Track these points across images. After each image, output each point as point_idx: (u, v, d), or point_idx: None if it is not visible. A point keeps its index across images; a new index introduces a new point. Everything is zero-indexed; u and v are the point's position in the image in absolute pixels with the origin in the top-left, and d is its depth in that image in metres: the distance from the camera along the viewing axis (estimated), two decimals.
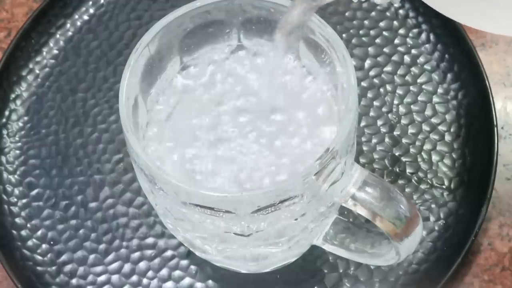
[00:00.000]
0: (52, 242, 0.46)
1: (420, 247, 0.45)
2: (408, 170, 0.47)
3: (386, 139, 0.48)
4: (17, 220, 0.47)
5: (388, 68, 0.49)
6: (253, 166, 0.38)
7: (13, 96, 0.49)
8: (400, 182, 0.47)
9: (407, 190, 0.46)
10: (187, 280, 0.45)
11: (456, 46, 0.49)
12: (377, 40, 0.50)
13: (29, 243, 0.46)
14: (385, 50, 0.50)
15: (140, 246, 0.46)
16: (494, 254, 0.46)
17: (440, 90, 0.49)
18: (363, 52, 0.50)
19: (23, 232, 0.46)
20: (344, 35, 0.50)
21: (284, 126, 0.39)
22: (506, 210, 0.47)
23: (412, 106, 0.48)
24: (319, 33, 0.38)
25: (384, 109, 0.48)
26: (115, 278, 0.45)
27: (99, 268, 0.46)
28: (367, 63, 0.49)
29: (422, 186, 0.46)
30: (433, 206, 0.46)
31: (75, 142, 0.48)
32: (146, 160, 0.35)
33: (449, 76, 0.49)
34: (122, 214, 0.47)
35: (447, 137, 0.48)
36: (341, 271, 0.45)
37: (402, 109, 0.48)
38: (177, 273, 0.45)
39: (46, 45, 0.50)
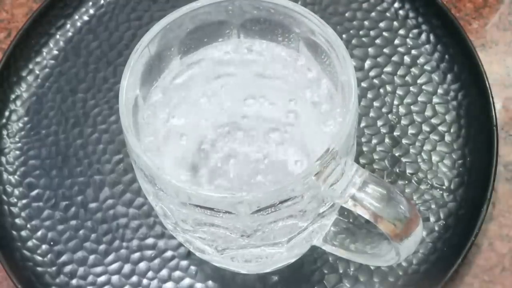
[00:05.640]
0: (52, 243, 0.46)
1: (420, 247, 0.45)
2: (408, 171, 0.47)
3: (386, 140, 0.48)
4: (17, 220, 0.47)
5: (388, 69, 0.49)
6: (254, 166, 0.38)
7: (13, 96, 0.49)
8: (400, 182, 0.47)
9: (407, 190, 0.46)
10: (187, 281, 0.45)
11: (456, 47, 0.49)
12: (377, 41, 0.50)
13: (29, 243, 0.46)
14: (385, 50, 0.50)
15: (140, 246, 0.46)
16: (494, 254, 0.46)
17: (440, 91, 0.49)
18: (363, 53, 0.50)
19: (23, 233, 0.46)
20: (344, 36, 0.50)
21: (285, 126, 0.39)
22: (506, 210, 0.47)
23: (412, 107, 0.48)
24: (319, 33, 0.38)
25: (384, 110, 0.48)
26: (115, 278, 0.45)
27: (99, 269, 0.46)
28: (367, 63, 0.49)
29: (422, 187, 0.46)
30: (433, 206, 0.46)
31: (75, 143, 0.48)
32: (146, 160, 0.35)
33: (449, 76, 0.49)
34: (122, 214, 0.47)
35: (447, 138, 0.48)
36: (341, 271, 0.45)
37: (402, 110, 0.48)
38: (177, 273, 0.45)
39: (46, 46, 0.50)
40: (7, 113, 0.49)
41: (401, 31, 0.50)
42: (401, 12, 0.51)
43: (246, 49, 0.40)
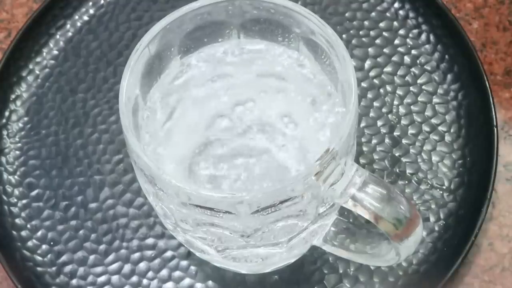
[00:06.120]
0: (52, 243, 0.46)
1: (420, 247, 0.45)
2: (408, 171, 0.47)
3: (386, 140, 0.48)
4: (17, 220, 0.47)
5: (388, 69, 0.49)
6: (253, 167, 0.38)
7: (13, 96, 0.49)
8: (400, 182, 0.47)
9: (407, 190, 0.46)
10: (187, 281, 0.45)
11: (456, 47, 0.49)
12: (377, 41, 0.50)
13: (29, 243, 0.46)
14: (385, 50, 0.50)
15: (140, 246, 0.46)
16: (494, 254, 0.46)
17: (440, 91, 0.49)
18: (363, 53, 0.50)
19: (23, 233, 0.46)
20: (344, 36, 0.50)
21: (285, 126, 0.39)
22: (506, 210, 0.47)
23: (412, 107, 0.48)
24: (319, 33, 0.38)
25: (384, 110, 0.48)
26: (115, 278, 0.45)
27: (99, 269, 0.46)
28: (367, 63, 0.49)
29: (422, 187, 0.46)
30: (433, 206, 0.46)
31: (75, 143, 0.48)
32: (146, 160, 0.35)
33: (449, 76, 0.49)
34: (122, 214, 0.47)
35: (447, 138, 0.48)
36: (341, 271, 0.45)
37: (402, 110, 0.48)
38: (177, 273, 0.45)
39: (46, 46, 0.50)
40: (7, 113, 0.49)
41: (401, 31, 0.50)
42: (401, 12, 0.51)
43: (246, 49, 0.40)
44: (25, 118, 0.49)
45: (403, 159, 0.47)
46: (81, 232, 0.46)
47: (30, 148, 0.48)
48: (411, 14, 0.50)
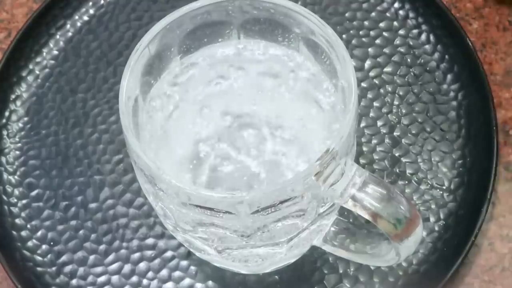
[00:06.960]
0: (52, 243, 0.46)
1: (420, 247, 0.45)
2: (408, 171, 0.47)
3: (386, 140, 0.48)
4: (17, 220, 0.47)
5: (388, 69, 0.49)
6: (253, 167, 0.38)
7: (13, 97, 0.49)
8: (400, 182, 0.47)
9: (407, 190, 0.46)
10: (187, 281, 0.45)
11: (456, 47, 0.49)
12: (377, 41, 0.50)
13: (29, 243, 0.46)
14: (385, 50, 0.50)
15: (140, 246, 0.46)
16: (494, 254, 0.46)
17: (440, 91, 0.49)
18: (363, 53, 0.50)
19: (23, 233, 0.46)
20: (344, 36, 0.50)
21: (285, 126, 0.39)
22: (506, 211, 0.47)
23: (412, 107, 0.48)
24: (319, 33, 0.38)
25: (384, 110, 0.48)
26: (115, 278, 0.45)
27: (99, 269, 0.46)
28: (367, 63, 0.49)
29: (422, 187, 0.46)
30: (433, 206, 0.46)
31: (75, 143, 0.48)
32: (146, 160, 0.35)
33: (449, 76, 0.49)
34: (122, 214, 0.47)
35: (447, 138, 0.48)
36: (341, 271, 0.45)
37: (402, 110, 0.48)
38: (177, 273, 0.45)
39: (46, 46, 0.50)
40: (7, 113, 0.49)
41: (401, 31, 0.50)
42: (401, 12, 0.51)
43: (246, 49, 0.40)
44: (25, 118, 0.49)
45: (403, 159, 0.47)
46: (81, 232, 0.46)
47: (30, 148, 0.48)
48: (411, 14, 0.50)
